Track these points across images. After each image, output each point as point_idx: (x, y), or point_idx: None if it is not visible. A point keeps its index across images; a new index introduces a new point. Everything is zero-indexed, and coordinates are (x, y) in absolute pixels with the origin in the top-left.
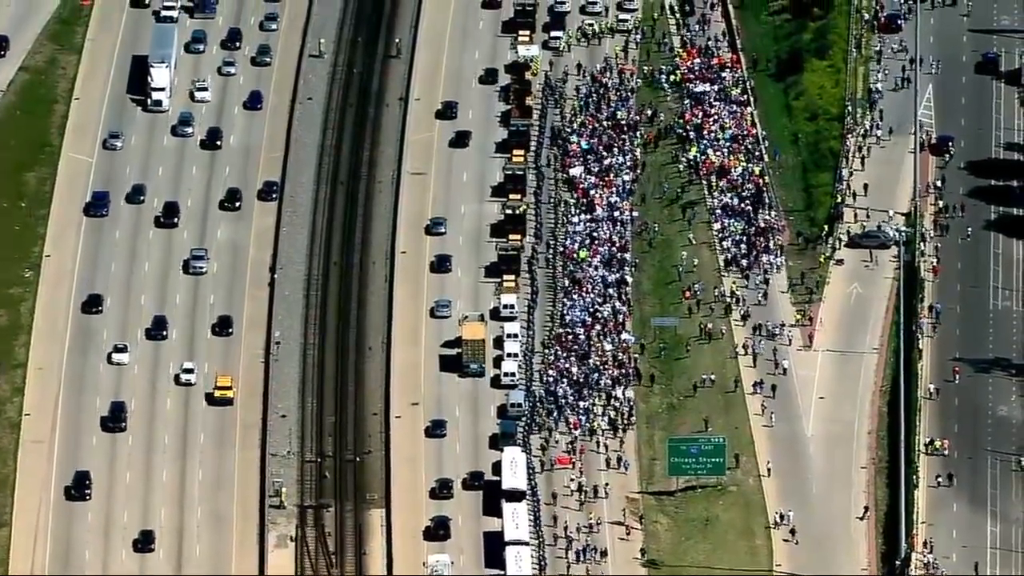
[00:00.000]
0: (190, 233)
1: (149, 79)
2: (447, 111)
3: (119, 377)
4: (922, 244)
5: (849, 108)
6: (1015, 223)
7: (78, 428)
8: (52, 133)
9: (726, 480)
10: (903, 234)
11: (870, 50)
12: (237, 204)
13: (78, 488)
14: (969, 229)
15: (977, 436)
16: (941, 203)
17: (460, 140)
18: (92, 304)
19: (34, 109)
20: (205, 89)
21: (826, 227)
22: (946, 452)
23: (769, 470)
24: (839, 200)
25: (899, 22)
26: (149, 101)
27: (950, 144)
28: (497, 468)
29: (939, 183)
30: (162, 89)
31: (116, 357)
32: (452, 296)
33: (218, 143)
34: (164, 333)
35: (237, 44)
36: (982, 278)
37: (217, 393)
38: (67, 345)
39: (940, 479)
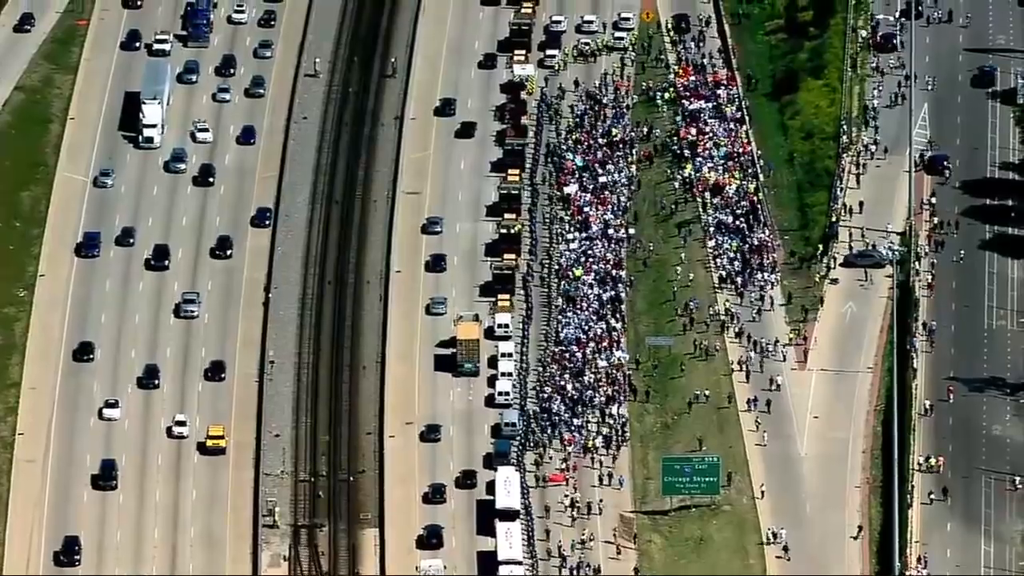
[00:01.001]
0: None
1: (141, 115)
2: (445, 108)
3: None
4: (917, 263)
5: (844, 127)
6: (1010, 242)
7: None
8: (47, 152)
9: (720, 499)
10: (897, 253)
11: (866, 69)
12: (228, 253)
13: (67, 554)
14: (962, 252)
15: (971, 455)
16: (936, 219)
17: (465, 131)
18: (83, 352)
19: (29, 128)
20: (206, 130)
21: (821, 246)
22: (940, 470)
23: (763, 492)
24: (834, 219)
25: (894, 41)
26: (140, 138)
27: (946, 162)
28: (491, 488)
29: (933, 199)
30: (154, 126)
31: (107, 412)
32: (446, 296)
33: (211, 179)
34: (156, 382)
35: (231, 71)
36: (977, 297)
37: (209, 443)
38: (60, 369)
39: (932, 494)
